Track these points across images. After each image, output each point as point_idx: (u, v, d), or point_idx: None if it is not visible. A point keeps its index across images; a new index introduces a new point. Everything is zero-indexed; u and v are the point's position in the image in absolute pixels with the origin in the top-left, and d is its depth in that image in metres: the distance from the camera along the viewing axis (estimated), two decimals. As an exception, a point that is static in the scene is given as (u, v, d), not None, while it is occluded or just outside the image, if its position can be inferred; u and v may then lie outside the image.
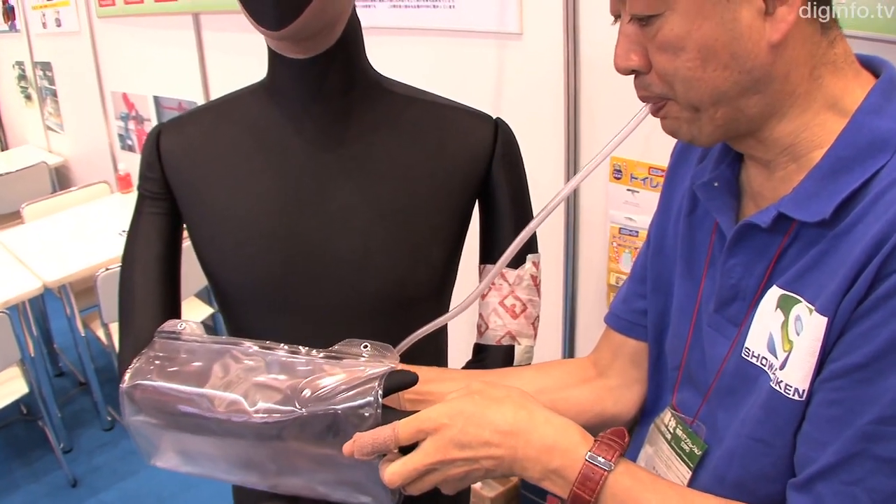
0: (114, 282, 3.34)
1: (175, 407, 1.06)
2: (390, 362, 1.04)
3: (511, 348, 1.32)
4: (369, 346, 1.06)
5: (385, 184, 1.22)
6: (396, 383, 1.02)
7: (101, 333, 3.68)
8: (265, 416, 1.01)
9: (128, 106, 4.64)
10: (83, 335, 3.71)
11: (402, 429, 0.94)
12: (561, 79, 2.44)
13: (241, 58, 3.52)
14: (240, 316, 1.29)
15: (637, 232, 2.41)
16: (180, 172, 1.25)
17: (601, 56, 2.36)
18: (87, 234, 3.95)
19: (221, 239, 1.23)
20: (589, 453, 0.90)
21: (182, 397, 1.06)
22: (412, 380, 1.03)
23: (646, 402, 1.21)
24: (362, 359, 1.05)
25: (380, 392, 0.99)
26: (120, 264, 1.30)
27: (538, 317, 1.35)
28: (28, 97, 6.08)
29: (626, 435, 0.93)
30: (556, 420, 0.94)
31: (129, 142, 4.74)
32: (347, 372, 1.02)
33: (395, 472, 0.94)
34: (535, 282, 1.33)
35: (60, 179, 5.72)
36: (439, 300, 1.31)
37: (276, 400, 1.02)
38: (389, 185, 1.22)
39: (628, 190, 2.40)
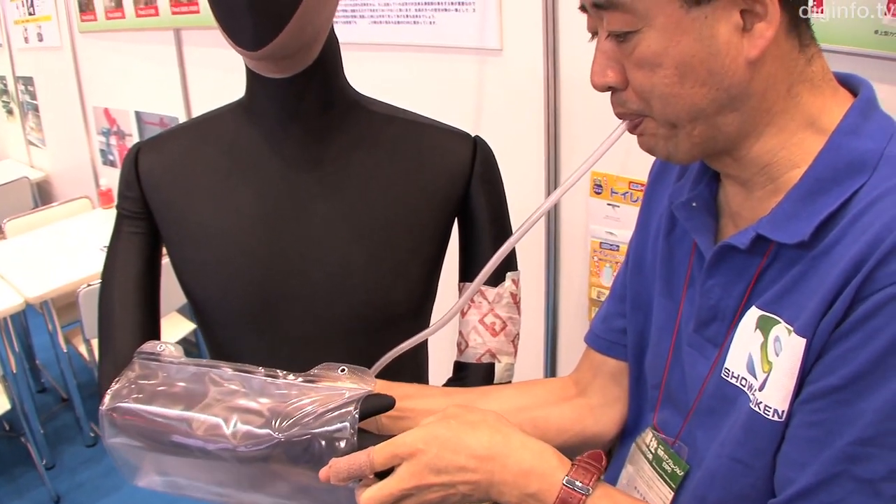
0: (96, 297, 3.22)
1: (154, 430, 1.06)
2: (367, 386, 1.04)
3: (491, 366, 1.33)
4: (346, 369, 1.07)
5: (364, 203, 1.22)
6: (373, 407, 1.03)
7: (83, 349, 3.66)
8: (244, 441, 1.01)
9: (109, 121, 4.61)
10: (65, 351, 3.68)
11: (377, 454, 0.94)
12: (541, 94, 2.45)
13: (223, 73, 3.52)
14: (219, 334, 1.29)
15: (618, 246, 2.42)
16: (159, 191, 1.25)
17: (581, 72, 2.36)
18: (68, 250, 3.93)
19: (200, 258, 1.23)
20: (566, 478, 0.91)
21: (161, 420, 1.06)
22: (388, 404, 1.04)
23: (627, 421, 1.21)
24: (340, 383, 1.05)
25: (356, 416, 0.99)
26: (98, 299, 1.31)
27: (518, 334, 1.36)
28: (10, 112, 6.05)
29: (603, 458, 0.94)
30: (533, 444, 0.95)
31: (111, 157, 4.72)
32: (324, 396, 1.03)
33: (370, 497, 0.94)
34: (515, 299, 1.34)
35: (42, 194, 5.68)
36: (418, 319, 1.32)
37: (256, 424, 1.02)
38: (368, 205, 1.22)
39: (609, 204, 2.41)
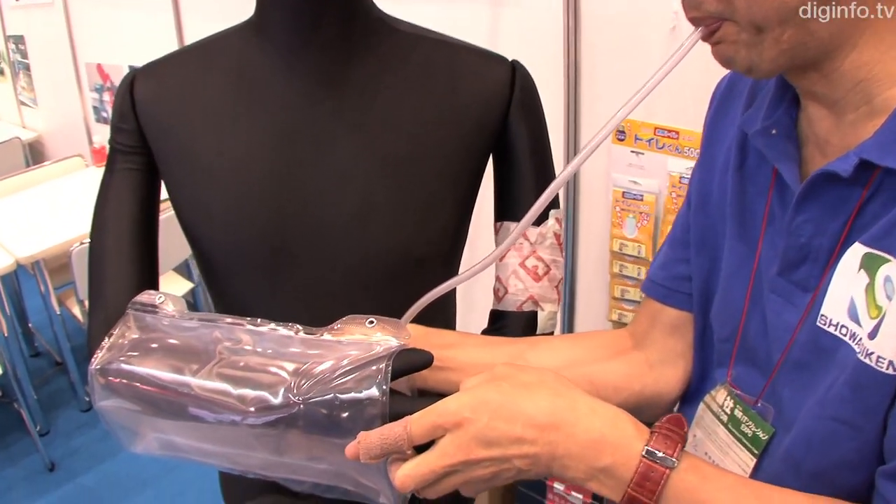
0: None
1: (151, 394, 0.93)
2: (400, 339, 0.91)
3: (533, 315, 1.20)
4: (375, 321, 0.93)
5: (389, 133, 1.10)
6: (408, 364, 0.90)
7: (77, 311, 3.58)
8: (255, 409, 0.89)
9: (102, 77, 4.52)
10: (58, 313, 3.60)
11: (415, 425, 0.81)
12: (560, 43, 2.32)
13: (220, 22, 3.38)
14: (226, 285, 1.16)
15: (642, 196, 2.30)
16: (158, 122, 1.12)
17: (605, 13, 2.24)
18: (61, 209, 3.83)
19: (205, 197, 1.10)
20: (646, 448, 0.77)
21: (159, 384, 0.93)
22: (426, 360, 0.90)
23: (691, 379, 1.09)
24: (367, 337, 0.92)
25: (387, 376, 0.86)
26: (89, 246, 1.18)
27: (562, 279, 1.23)
28: (1, 72, 5.94)
29: (685, 424, 0.81)
30: (603, 409, 0.82)
31: (105, 114, 4.62)
32: (350, 353, 0.90)
33: (407, 475, 0.81)
34: (559, 240, 1.21)
35: (34, 155, 5.60)
36: (449, 265, 1.20)
37: (269, 387, 0.89)
38: (394, 135, 1.10)
39: (632, 152, 2.28)
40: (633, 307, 2.49)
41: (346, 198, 1.09)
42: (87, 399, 3.80)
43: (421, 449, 0.82)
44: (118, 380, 0.95)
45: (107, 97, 4.56)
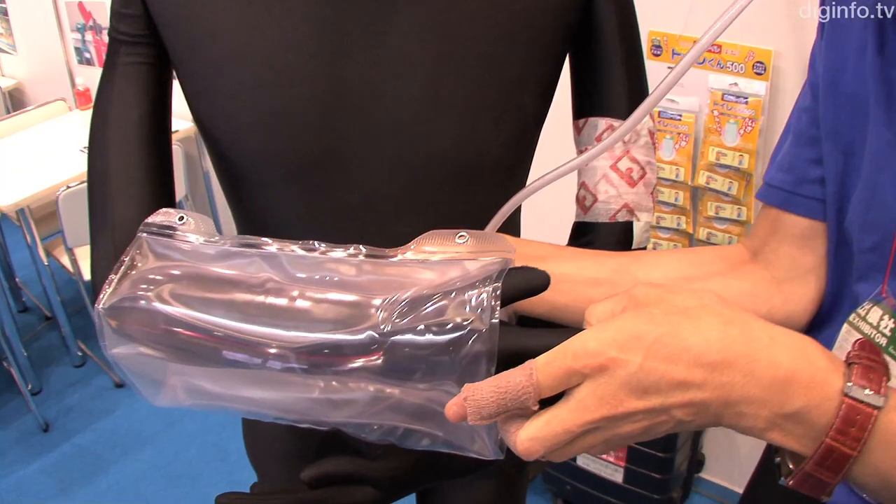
0: (76, 201, 3.13)
1: (177, 339, 0.75)
2: (506, 256, 0.71)
3: (628, 226, 1.02)
4: (468, 235, 0.73)
5: (458, 13, 0.91)
6: (523, 286, 0.69)
7: (65, 260, 3.43)
8: (312, 355, 0.70)
9: (84, 15, 4.29)
10: (46, 264, 3.45)
11: (543, 373, 0.61)
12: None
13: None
14: (258, 203, 0.98)
15: (680, 115, 2.11)
16: (170, 2, 0.92)
17: None
18: (45, 155, 3.65)
19: (229, 90, 0.91)
20: (848, 384, 0.58)
21: (186, 326, 0.74)
22: (544, 280, 0.70)
23: (825, 299, 0.92)
24: (460, 254, 0.73)
25: (496, 304, 0.66)
26: (87, 163, 0.97)
27: (656, 185, 1.05)
28: (-24, 20, 5.73)
29: (880, 351, 0.62)
30: (784, 337, 0.62)
31: (87, 55, 4.42)
32: (438, 275, 0.71)
33: (534, 437, 0.62)
34: (653, 139, 1.03)
35: (15, 104, 5.41)
36: (522, 174, 1.03)
37: (331, 326, 0.70)
38: (463, 15, 0.91)
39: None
40: (669, 235, 2.34)
41: (406, 90, 0.91)
42: (80, 354, 3.70)
43: (545, 402, 0.63)
44: (133, 322, 0.76)
45: (89, 37, 4.36)
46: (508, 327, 0.67)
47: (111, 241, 0.91)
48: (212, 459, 3.09)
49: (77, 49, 4.53)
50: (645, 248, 1.05)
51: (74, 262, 3.35)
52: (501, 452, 0.71)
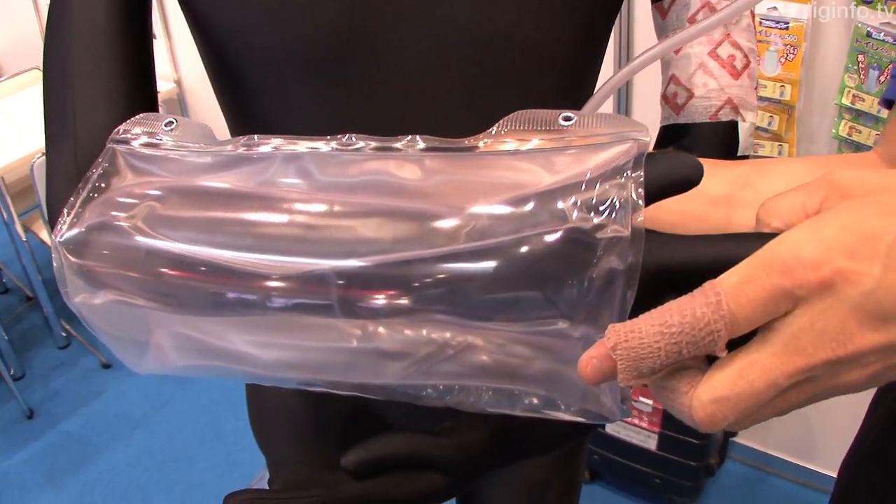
0: None
1: (165, 278, 0.55)
2: (637, 137, 0.50)
3: (733, 127, 0.82)
4: (573, 115, 0.52)
5: None
6: (670, 176, 0.49)
7: (44, 235, 3.28)
8: (362, 288, 0.50)
9: (57, -21, 4.12)
10: (24, 240, 3.31)
11: (738, 298, 0.42)
12: None
13: None
14: (263, 110, 0.78)
15: (787, 24, 1.90)
16: None
17: None
18: (18, 127, 3.49)
19: None
20: None
21: (179, 258, 0.54)
22: (696, 170, 0.50)
23: None
24: (567, 138, 0.51)
25: (641, 202, 0.46)
26: (43, 54, 0.76)
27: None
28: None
29: None
30: None
31: (62, 21, 4.25)
32: (542, 168, 0.50)
33: (720, 396, 0.43)
34: (754, 20, 0.84)
35: (-11, 79, 5.29)
36: (594, 67, 0.83)
37: (388, 243, 0.50)
38: None
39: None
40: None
41: None
42: (64, 335, 3.55)
43: (732, 345, 0.44)
44: (103, 258, 0.56)
45: (62, 2, 4.19)
46: (656, 233, 0.47)
47: (73, 154, 0.70)
48: (208, 440, 2.97)
49: (50, 15, 4.42)
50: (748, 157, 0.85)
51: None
52: (628, 410, 0.51)
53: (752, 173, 0.72)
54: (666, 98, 0.85)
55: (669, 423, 2.23)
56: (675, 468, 2.30)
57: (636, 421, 2.27)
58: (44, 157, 0.91)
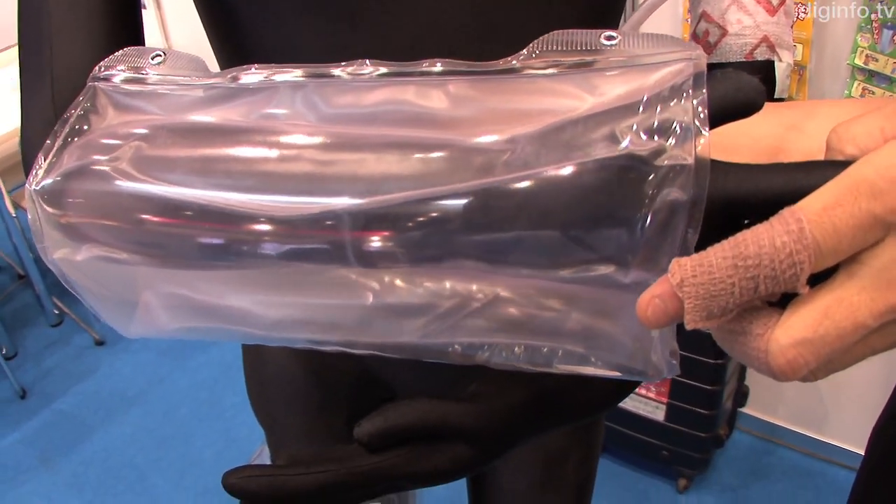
0: None
1: (154, 228, 0.49)
2: (691, 57, 0.43)
3: (770, 67, 0.76)
4: (616, 35, 0.46)
5: None
6: (735, 97, 0.42)
7: None
8: (385, 231, 0.44)
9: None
10: (14, 216, 3.27)
11: (823, 226, 0.36)
12: None
13: None
14: (262, 50, 0.70)
15: None
16: None
17: None
18: (6, 101, 3.41)
19: None
20: None
21: (169, 204, 0.48)
22: (758, 93, 0.43)
23: None
24: (611, 56, 0.45)
25: (704, 125, 0.40)
26: None
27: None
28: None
29: None
30: None
31: (48, -7, 4.15)
32: (585, 91, 0.44)
33: (804, 338, 0.37)
34: None
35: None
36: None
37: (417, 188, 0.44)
38: None
39: None
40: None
41: None
42: (57, 312, 3.51)
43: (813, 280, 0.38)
44: (84, 207, 0.50)
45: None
46: (719, 162, 0.41)
47: (50, 95, 0.63)
48: (205, 417, 2.93)
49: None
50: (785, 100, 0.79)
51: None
52: (677, 366, 0.46)
53: (801, 116, 0.66)
54: (696, 38, 0.79)
55: (678, 394, 2.19)
56: (684, 439, 2.25)
57: (643, 391, 2.22)
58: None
